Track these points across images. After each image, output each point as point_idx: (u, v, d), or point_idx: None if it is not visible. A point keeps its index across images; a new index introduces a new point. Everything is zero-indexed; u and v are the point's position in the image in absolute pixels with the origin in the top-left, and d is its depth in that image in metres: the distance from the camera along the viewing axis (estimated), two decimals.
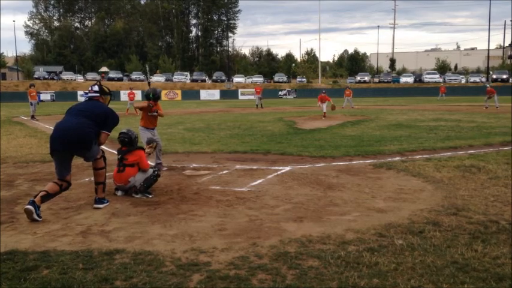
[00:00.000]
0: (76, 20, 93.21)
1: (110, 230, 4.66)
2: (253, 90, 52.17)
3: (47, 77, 63.44)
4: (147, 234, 4.52)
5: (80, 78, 64.46)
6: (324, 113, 20.05)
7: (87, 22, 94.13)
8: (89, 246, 4.15)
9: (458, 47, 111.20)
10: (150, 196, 6.05)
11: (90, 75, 63.87)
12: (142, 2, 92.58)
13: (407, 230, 4.46)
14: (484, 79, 56.72)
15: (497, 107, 24.41)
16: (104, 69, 72.91)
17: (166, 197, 6.04)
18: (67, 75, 63.67)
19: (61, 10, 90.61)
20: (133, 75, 63.57)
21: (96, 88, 5.87)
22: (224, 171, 7.77)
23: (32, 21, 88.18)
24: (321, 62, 77.30)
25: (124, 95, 44.24)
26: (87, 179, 7.25)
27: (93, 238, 4.40)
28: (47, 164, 8.50)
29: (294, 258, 3.78)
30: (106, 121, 5.60)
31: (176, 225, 4.81)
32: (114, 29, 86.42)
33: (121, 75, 63.10)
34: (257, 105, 30.03)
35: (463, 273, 3.41)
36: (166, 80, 62.85)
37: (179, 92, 53.63)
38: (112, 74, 63.10)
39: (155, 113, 8.21)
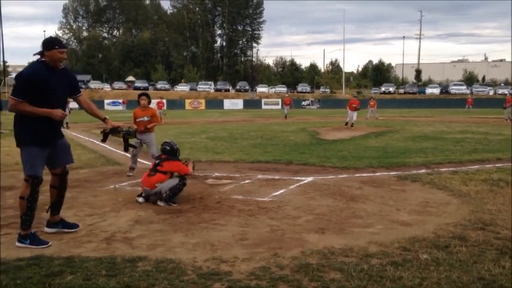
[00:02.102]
0: (104, 31, 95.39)
1: (133, 237, 4.71)
2: (278, 100, 52.48)
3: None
4: (169, 242, 4.55)
5: (107, 87, 65.75)
6: (352, 123, 19.68)
7: (115, 32, 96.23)
8: (112, 253, 4.20)
9: (486, 58, 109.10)
10: (175, 205, 6.09)
11: (117, 85, 65.05)
12: (168, 13, 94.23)
13: (432, 244, 4.36)
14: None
15: (506, 119, 23.73)
16: (130, 78, 74.26)
17: (188, 205, 6.08)
18: (95, 84, 65.01)
19: (90, 20, 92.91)
20: (159, 85, 64.50)
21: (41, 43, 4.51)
22: (246, 181, 7.77)
23: (61, 31, 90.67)
24: (345, 73, 76.97)
25: (152, 104, 44.97)
26: (111, 186, 7.36)
27: (116, 245, 4.45)
28: (72, 170, 8.67)
29: (315, 270, 3.74)
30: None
31: (198, 233, 4.83)
32: (141, 39, 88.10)
33: (147, 85, 64.13)
34: (286, 115, 29.94)
35: None
36: (191, 89, 63.57)
37: (203, 101, 54.17)
38: (138, 83, 64.17)
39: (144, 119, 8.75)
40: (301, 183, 7.56)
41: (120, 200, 6.43)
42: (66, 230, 4.81)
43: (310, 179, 7.90)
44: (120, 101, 49.50)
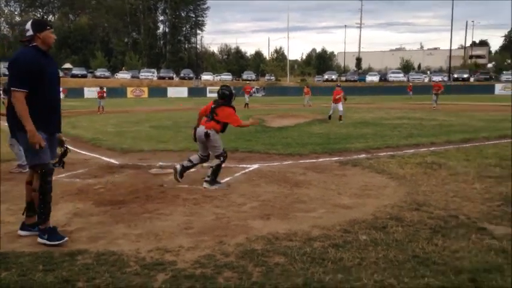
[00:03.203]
0: (38, 15, 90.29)
1: (71, 230, 4.55)
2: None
3: (7, 73, 61.10)
4: (110, 234, 4.43)
5: None
6: (340, 116, 16.77)
7: (50, 17, 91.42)
8: (49, 247, 4.03)
9: (421, 46, 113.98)
10: (220, 184, 6.40)
11: None
12: None
13: (371, 226, 4.54)
14: (446, 78, 58.43)
15: (434, 107, 24.17)
16: (67, 65, 71.01)
17: (131, 196, 5.94)
18: None
19: (23, 5, 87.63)
20: (98, 72, 62.19)
21: (28, 26, 4.16)
22: (191, 170, 7.69)
23: None
24: (290, 61, 77.87)
25: (88, 92, 43.31)
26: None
27: None
28: (6, 163, 8.21)
29: (260, 255, 3.79)
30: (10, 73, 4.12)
31: (141, 224, 4.74)
32: (78, 24, 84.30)
33: (85, 72, 61.49)
34: (246, 104, 28.05)
35: (423, 267, 3.51)
36: (133, 77, 61.81)
37: (146, 89, 52.89)
38: (76, 71, 61.41)
39: None
40: (247, 170, 7.60)
41: (58, 192, 6.14)
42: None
43: (255, 166, 7.96)
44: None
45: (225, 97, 6.64)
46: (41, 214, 4.22)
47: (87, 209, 5.37)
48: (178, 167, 6.59)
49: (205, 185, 6.39)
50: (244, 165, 8.00)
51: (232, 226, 4.67)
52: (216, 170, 6.47)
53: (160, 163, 8.18)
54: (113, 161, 8.80)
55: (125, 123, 17.19)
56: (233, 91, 6.80)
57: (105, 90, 27.10)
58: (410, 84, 45.99)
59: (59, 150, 4.64)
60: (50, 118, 4.21)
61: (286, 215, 5.06)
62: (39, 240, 4.14)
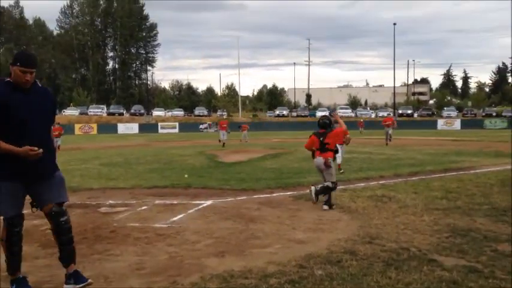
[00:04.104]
0: None
1: None
2: (175, 123, 51.84)
3: None
4: (57, 277, 4.18)
5: None
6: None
7: None
8: None
9: (367, 83, 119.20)
10: (334, 207, 6.99)
11: None
12: (55, 33, 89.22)
13: (326, 260, 4.55)
14: (391, 114, 61.05)
15: (390, 141, 23.75)
16: None
17: (79, 236, 5.64)
18: None
19: None
20: None
21: None
22: (143, 207, 7.50)
23: None
24: (241, 96, 78.88)
25: None
26: None
27: None
28: None
29: None
30: None
31: (90, 266, 4.51)
32: None
33: None
34: (220, 140, 25.35)
35: None
36: (81, 113, 60.38)
37: (95, 125, 51.74)
38: None
39: None
40: (200, 207, 7.49)
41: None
42: (77, 287, 3.90)
43: (209, 202, 7.86)
44: None
45: (326, 126, 7.32)
46: (9, 266, 3.86)
47: (32, 251, 5.06)
48: (313, 188, 7.17)
49: (324, 207, 7.02)
50: (198, 202, 7.89)
51: (186, 265, 4.54)
52: (327, 191, 7.09)
53: (110, 201, 7.94)
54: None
55: (73, 160, 16.60)
56: (331, 118, 7.62)
57: (61, 127, 25.56)
58: (361, 120, 47.76)
59: None
60: (17, 165, 3.65)
61: (242, 251, 4.99)
62: None
